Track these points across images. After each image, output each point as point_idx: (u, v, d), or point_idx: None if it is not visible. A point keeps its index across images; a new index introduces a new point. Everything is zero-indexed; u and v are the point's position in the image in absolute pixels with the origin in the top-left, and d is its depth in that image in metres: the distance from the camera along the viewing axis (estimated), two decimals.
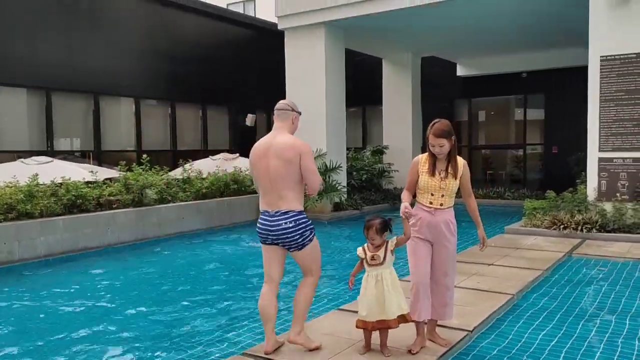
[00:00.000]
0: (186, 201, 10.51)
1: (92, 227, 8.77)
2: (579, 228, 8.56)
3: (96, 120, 13.31)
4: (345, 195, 12.77)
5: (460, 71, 17.30)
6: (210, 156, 13.65)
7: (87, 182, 9.41)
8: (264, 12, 20.05)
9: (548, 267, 6.61)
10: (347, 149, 13.68)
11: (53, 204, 8.40)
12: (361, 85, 17.43)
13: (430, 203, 3.94)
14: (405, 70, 15.90)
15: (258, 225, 3.92)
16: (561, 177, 13.48)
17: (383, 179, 15.00)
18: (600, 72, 8.98)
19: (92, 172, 9.82)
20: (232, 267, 7.57)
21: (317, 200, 11.79)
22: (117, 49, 13.65)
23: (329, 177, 12.16)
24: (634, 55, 8.73)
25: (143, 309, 5.59)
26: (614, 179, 8.93)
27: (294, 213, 3.80)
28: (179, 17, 15.20)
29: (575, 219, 8.73)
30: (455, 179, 3.94)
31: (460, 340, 4.15)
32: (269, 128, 18.14)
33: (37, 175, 8.64)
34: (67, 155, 12.64)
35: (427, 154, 4.01)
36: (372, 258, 3.84)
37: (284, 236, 3.78)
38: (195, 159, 12.90)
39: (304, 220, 3.84)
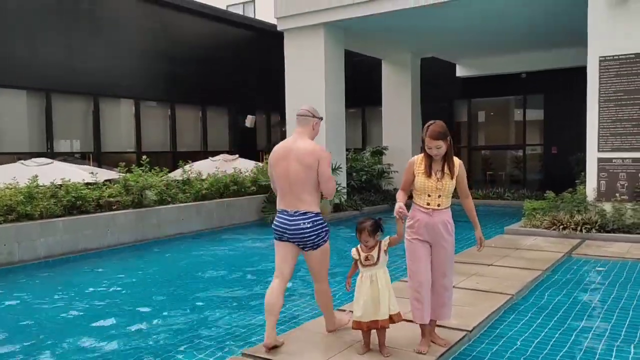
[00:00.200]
0: (186, 202, 10.51)
1: (92, 228, 8.78)
2: (579, 228, 8.57)
3: (96, 121, 13.32)
4: (345, 196, 12.78)
5: (460, 72, 17.31)
6: (210, 157, 13.67)
7: (87, 184, 9.42)
8: (264, 13, 20.08)
9: (547, 267, 6.61)
10: (347, 149, 13.69)
11: (53, 206, 8.40)
12: (360, 86, 17.44)
13: (428, 204, 3.94)
14: (404, 71, 15.91)
15: (275, 222, 4.08)
16: (561, 177, 13.48)
17: (383, 179, 15.01)
18: (600, 72, 8.99)
19: (91, 173, 9.83)
20: (231, 267, 7.57)
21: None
22: (116, 51, 13.67)
23: None
24: (633, 56, 8.74)
25: (144, 309, 5.59)
26: (613, 180, 8.94)
27: (312, 214, 3.99)
28: (178, 19, 15.23)
29: (575, 219, 8.73)
30: (452, 179, 3.95)
31: (459, 340, 4.15)
32: (268, 129, 18.20)
33: (36, 176, 8.64)
34: (67, 157, 12.66)
35: (422, 155, 4.01)
36: (366, 259, 3.85)
37: (301, 236, 3.97)
38: (195, 160, 12.91)
39: (320, 221, 4.03)
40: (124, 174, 9.94)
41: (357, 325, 3.87)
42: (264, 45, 16.87)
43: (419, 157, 4.03)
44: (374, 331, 3.90)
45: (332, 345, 4.05)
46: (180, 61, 15.06)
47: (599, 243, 8.13)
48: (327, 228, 4.06)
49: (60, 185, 8.87)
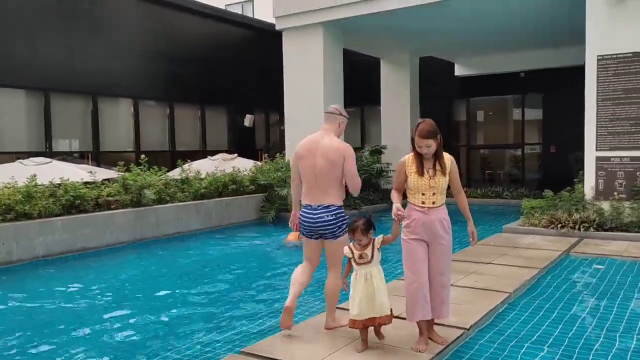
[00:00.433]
0: (185, 201, 10.52)
1: (91, 227, 8.78)
2: (577, 227, 8.59)
3: (95, 121, 13.32)
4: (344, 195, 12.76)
5: (459, 71, 17.32)
6: (209, 157, 13.67)
7: (86, 183, 9.42)
8: (263, 12, 20.07)
9: (545, 265, 6.63)
10: None
11: (51, 205, 8.40)
12: (359, 85, 17.44)
13: (423, 203, 3.95)
14: (403, 70, 15.92)
15: (301, 218, 4.32)
16: (559, 176, 13.48)
17: (381, 178, 15.00)
18: (598, 71, 9.01)
19: (90, 172, 9.83)
20: (231, 266, 7.58)
21: None
22: (115, 50, 13.67)
23: None
24: (631, 55, 8.76)
25: (141, 306, 5.60)
26: (611, 178, 8.96)
27: (335, 207, 4.23)
28: (177, 18, 15.23)
29: (573, 217, 8.75)
30: (444, 176, 3.95)
31: (457, 338, 4.16)
32: (267, 129, 18.21)
33: (35, 176, 8.64)
34: (66, 156, 12.66)
35: (412, 154, 4.01)
36: (360, 257, 3.87)
37: (324, 227, 4.20)
38: (193, 159, 12.91)
39: (342, 214, 4.26)
40: (122, 173, 9.94)
41: (353, 324, 3.88)
42: (263, 45, 16.87)
43: (410, 157, 4.03)
44: (371, 328, 3.91)
45: (330, 342, 4.06)
46: (179, 60, 15.07)
47: (597, 241, 8.15)
48: (347, 221, 4.17)
49: (59, 184, 8.87)
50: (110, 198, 9.36)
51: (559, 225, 8.73)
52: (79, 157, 13.21)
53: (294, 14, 12.49)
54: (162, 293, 6.22)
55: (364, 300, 3.81)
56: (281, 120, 15.63)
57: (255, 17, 20.10)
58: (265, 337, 4.37)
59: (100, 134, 13.42)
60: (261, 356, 3.86)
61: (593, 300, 5.38)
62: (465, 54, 16.38)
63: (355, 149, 17.22)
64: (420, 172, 3.93)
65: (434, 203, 3.94)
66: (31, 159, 10.17)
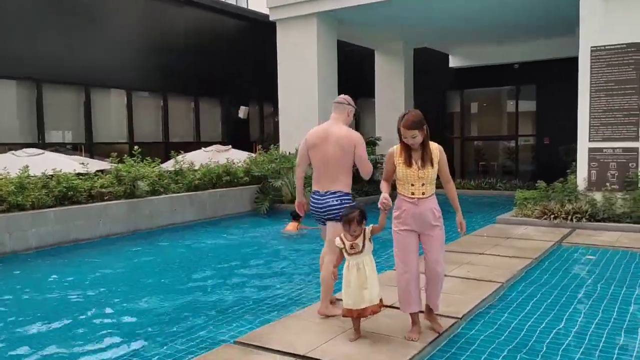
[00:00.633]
0: (178, 193, 10.49)
1: (84, 219, 8.75)
2: (569, 218, 8.64)
3: (87, 112, 13.24)
4: None
5: (453, 62, 17.32)
6: (203, 148, 13.63)
7: (79, 174, 9.38)
8: (257, 3, 19.93)
9: (538, 256, 6.67)
10: None
11: (44, 196, 8.37)
12: (352, 77, 17.39)
13: (412, 193, 3.95)
14: (397, 61, 15.89)
15: (311, 205, 4.51)
16: (553, 167, 13.54)
17: (376, 170, 15.00)
18: (591, 62, 9.03)
19: (83, 164, 9.79)
20: (224, 257, 7.59)
21: (309, 191, 11.79)
22: (108, 41, 13.57)
23: None
24: (625, 46, 8.78)
25: (136, 298, 5.60)
26: (603, 169, 9.00)
27: (341, 193, 4.38)
28: (170, 8, 15.12)
29: (566, 208, 8.80)
30: (433, 166, 3.94)
31: (450, 327, 4.19)
32: (261, 120, 18.16)
33: (27, 167, 8.60)
34: (59, 148, 12.59)
35: (400, 145, 4.00)
36: (351, 247, 3.88)
37: (329, 211, 4.35)
38: (187, 151, 12.87)
39: (347, 199, 4.39)
40: (115, 165, 9.91)
41: (348, 312, 3.90)
42: (257, 36, 16.78)
43: (398, 148, 4.03)
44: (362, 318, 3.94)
45: (324, 331, 4.08)
46: (173, 51, 14.98)
47: (589, 232, 8.21)
48: (361, 205, 4.21)
49: (52, 175, 8.83)
50: (103, 189, 9.33)
51: (552, 216, 8.78)
52: (72, 149, 13.14)
53: (287, 4, 12.43)
54: (155, 284, 6.22)
55: (357, 290, 3.83)
56: (275, 112, 15.59)
57: (249, 7, 19.98)
58: (259, 327, 4.38)
59: (93, 125, 13.34)
60: (256, 345, 3.87)
61: (584, 290, 5.42)
62: (460, 45, 16.38)
63: None
64: (408, 163, 3.93)
65: (423, 194, 3.94)
66: (23, 150, 10.11)
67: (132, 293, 5.83)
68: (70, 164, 9.66)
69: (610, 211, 8.73)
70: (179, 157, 11.46)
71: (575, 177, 9.38)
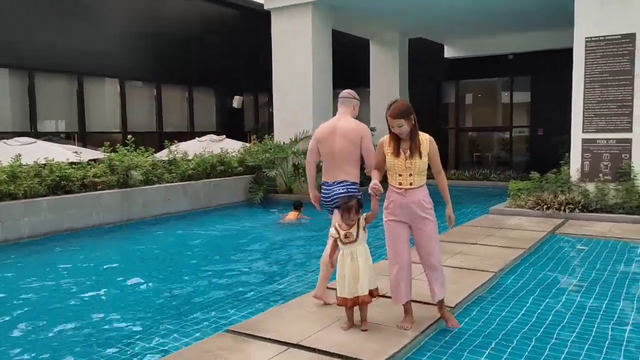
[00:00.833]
0: (172, 182, 10.46)
1: (77, 208, 8.71)
2: (562, 208, 8.67)
3: (80, 101, 13.15)
4: None
5: (448, 53, 17.28)
6: (197, 138, 13.58)
7: (71, 163, 9.33)
8: None
9: (530, 246, 6.70)
10: None
11: (37, 185, 8.32)
12: (346, 67, 17.33)
13: (400, 184, 3.93)
14: (392, 51, 15.84)
15: (322, 196, 4.62)
16: (547, 158, 13.57)
17: None
18: (586, 53, 9.02)
19: (75, 152, 9.73)
20: (218, 246, 7.58)
21: (304, 182, 11.82)
22: (101, 29, 13.44)
23: None
24: (619, 37, 8.77)
25: (127, 288, 5.60)
26: (596, 160, 9.03)
27: (348, 183, 4.45)
28: None
29: (559, 199, 8.83)
30: (421, 157, 3.90)
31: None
32: (256, 110, 18.10)
33: (20, 155, 8.54)
34: (52, 137, 12.51)
35: (389, 135, 3.98)
36: (346, 236, 3.88)
37: (336, 199, 4.34)
38: (181, 141, 12.83)
39: (354, 188, 4.43)
40: (108, 154, 9.85)
41: (343, 301, 3.90)
42: (252, 25, 16.68)
43: (388, 137, 4.01)
44: (356, 308, 3.94)
45: (317, 320, 4.09)
46: (167, 40, 14.86)
47: (582, 222, 8.25)
48: (359, 196, 4.25)
49: (44, 164, 8.77)
50: (96, 179, 9.28)
51: (545, 207, 8.81)
52: (65, 138, 13.06)
53: None
54: (149, 273, 6.21)
55: (351, 279, 3.84)
56: (270, 102, 15.54)
57: None
58: (252, 316, 4.39)
59: (86, 114, 13.25)
60: (248, 334, 3.87)
61: (576, 280, 5.45)
62: (455, 35, 16.33)
63: None
64: (397, 153, 3.91)
65: (411, 184, 3.91)
66: (16, 138, 10.04)
67: (124, 283, 5.81)
68: (62, 153, 9.60)
69: (602, 202, 8.77)
70: (173, 147, 11.41)
71: (569, 168, 9.41)
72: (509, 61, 16.39)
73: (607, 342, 3.84)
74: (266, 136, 13.14)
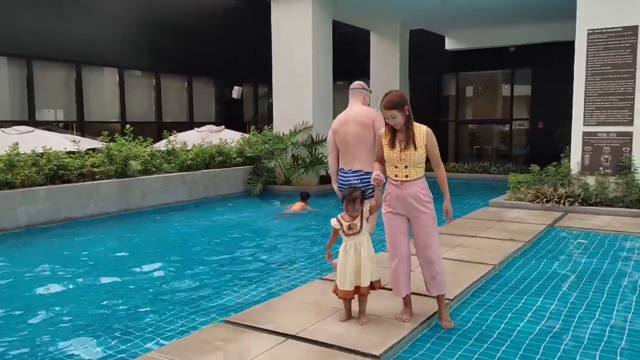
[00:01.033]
0: (171, 173, 10.42)
1: (75, 197, 8.68)
2: (562, 201, 8.65)
3: (79, 90, 13.08)
4: None
5: (449, 44, 17.18)
6: (196, 128, 13.53)
7: (69, 152, 9.28)
8: None
9: (530, 239, 6.68)
10: None
11: (34, 174, 8.28)
12: (346, 58, 17.25)
13: (396, 176, 3.90)
14: (393, 42, 15.75)
15: (338, 181, 4.82)
16: (547, 151, 13.54)
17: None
18: (587, 45, 8.96)
19: (73, 142, 9.68)
20: (216, 237, 7.56)
21: (303, 173, 11.80)
22: (99, 18, 13.35)
23: (315, 149, 12.11)
24: (621, 29, 8.71)
25: (125, 278, 5.57)
26: (597, 153, 9.00)
27: (362, 173, 4.63)
28: None
29: (558, 192, 8.81)
30: (416, 149, 3.84)
31: None
32: (255, 101, 18.04)
33: (17, 144, 8.49)
34: (50, 126, 12.45)
35: (386, 126, 3.94)
36: (349, 228, 3.84)
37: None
38: (180, 131, 12.79)
39: (367, 179, 4.49)
40: (107, 143, 9.81)
41: (344, 294, 3.84)
42: (252, 16, 16.57)
43: (385, 129, 3.97)
44: (355, 301, 3.92)
45: (315, 312, 4.07)
46: (166, 30, 14.77)
47: (581, 216, 8.23)
48: (371, 186, 4.30)
49: (42, 153, 8.73)
50: (94, 169, 9.24)
51: (544, 200, 8.79)
52: (64, 127, 13.01)
53: None
54: (146, 264, 6.18)
55: (353, 271, 3.80)
56: (270, 93, 15.48)
57: None
58: (251, 306, 4.37)
59: (84, 103, 13.19)
60: (245, 325, 3.85)
61: (575, 273, 5.43)
62: (456, 27, 16.22)
63: None
64: (392, 144, 3.88)
65: (407, 176, 3.87)
66: (13, 127, 9.98)
67: (120, 273, 5.79)
68: (60, 142, 9.56)
69: (602, 195, 8.74)
70: (172, 137, 11.36)
71: (569, 161, 9.38)
72: (510, 53, 16.30)
73: (605, 335, 3.83)
74: (265, 127, 13.08)
